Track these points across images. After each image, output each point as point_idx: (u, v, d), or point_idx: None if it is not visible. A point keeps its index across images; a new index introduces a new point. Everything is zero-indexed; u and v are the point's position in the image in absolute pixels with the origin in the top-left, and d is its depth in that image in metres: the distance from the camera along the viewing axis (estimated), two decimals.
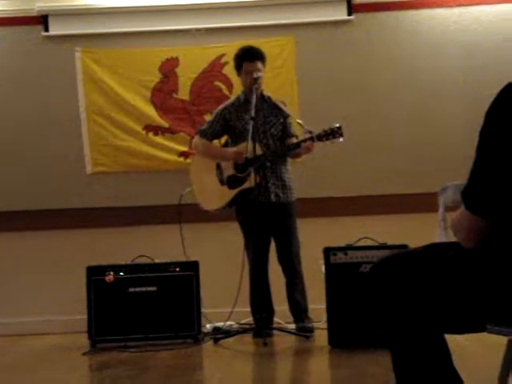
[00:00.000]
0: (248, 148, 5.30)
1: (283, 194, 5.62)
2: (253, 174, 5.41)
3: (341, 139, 5.25)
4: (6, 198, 6.57)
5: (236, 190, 5.56)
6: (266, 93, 5.75)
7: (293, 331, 5.54)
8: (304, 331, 5.49)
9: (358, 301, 4.84)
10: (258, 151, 5.38)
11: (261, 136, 5.60)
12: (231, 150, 5.61)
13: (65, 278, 6.39)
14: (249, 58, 5.60)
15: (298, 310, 5.67)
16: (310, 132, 5.34)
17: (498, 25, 6.52)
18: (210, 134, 5.74)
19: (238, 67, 5.65)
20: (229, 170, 5.61)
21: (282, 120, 5.67)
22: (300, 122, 5.50)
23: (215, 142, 5.87)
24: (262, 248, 5.60)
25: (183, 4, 6.61)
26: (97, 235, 6.49)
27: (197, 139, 5.80)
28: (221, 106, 5.82)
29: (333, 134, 5.23)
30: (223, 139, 5.93)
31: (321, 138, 5.26)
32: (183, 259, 5.69)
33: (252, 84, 5.51)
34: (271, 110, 5.68)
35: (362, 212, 6.41)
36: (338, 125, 5.24)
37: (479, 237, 1.99)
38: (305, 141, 5.37)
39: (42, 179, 6.58)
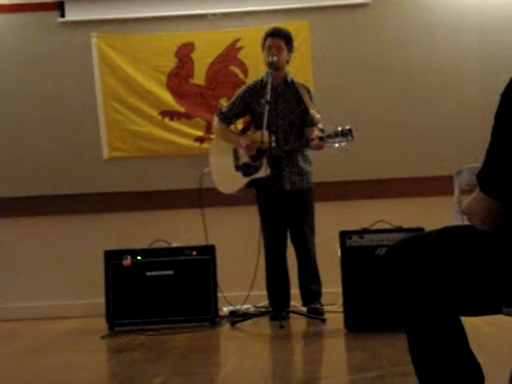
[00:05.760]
0: (263, 137, 5.29)
1: (299, 181, 5.62)
2: (265, 164, 5.43)
3: (351, 141, 5.20)
4: (23, 183, 6.61)
5: (248, 178, 5.59)
6: (291, 76, 5.72)
7: (309, 314, 5.56)
8: (313, 313, 5.53)
9: (373, 284, 4.85)
10: (273, 142, 5.39)
11: (279, 123, 5.60)
12: (244, 142, 5.61)
13: (83, 262, 6.44)
14: (271, 33, 5.60)
15: (309, 295, 5.70)
16: (322, 130, 5.34)
17: None
18: (228, 117, 5.75)
19: (263, 45, 5.64)
20: (244, 157, 5.63)
21: (302, 107, 5.59)
22: (318, 116, 5.46)
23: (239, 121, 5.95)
24: (277, 235, 5.61)
25: None
26: (114, 220, 6.53)
27: (216, 122, 5.82)
28: (243, 87, 5.82)
29: (344, 135, 5.17)
30: (239, 124, 5.98)
31: (331, 138, 5.22)
32: (200, 243, 5.73)
33: (268, 67, 5.52)
34: (293, 96, 5.64)
35: (377, 195, 6.42)
36: (348, 127, 5.14)
37: (494, 219, 1.98)
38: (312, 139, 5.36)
39: (58, 164, 6.61)
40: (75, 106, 6.60)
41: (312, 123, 5.50)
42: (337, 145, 5.19)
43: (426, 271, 2.08)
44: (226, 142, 5.75)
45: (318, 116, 5.45)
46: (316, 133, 5.38)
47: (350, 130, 5.13)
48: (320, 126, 5.40)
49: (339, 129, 5.15)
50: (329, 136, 5.21)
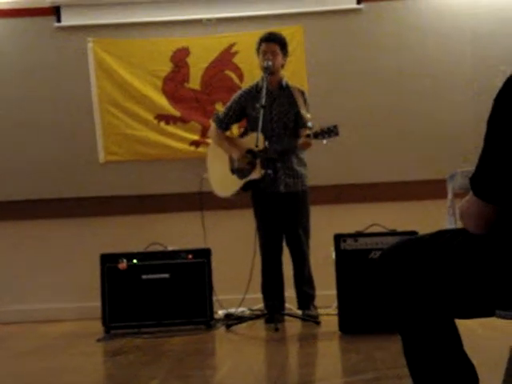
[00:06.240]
0: (257, 139, 5.31)
1: (294, 184, 5.66)
2: (259, 166, 5.47)
3: (336, 137, 5.29)
4: (20, 187, 6.63)
5: (243, 180, 5.62)
6: (286, 80, 5.76)
7: (304, 317, 5.59)
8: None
9: (368, 287, 4.88)
10: (267, 145, 5.43)
11: (274, 125, 5.63)
12: (236, 153, 5.64)
13: (79, 266, 6.47)
14: (266, 39, 5.63)
15: (304, 298, 5.73)
16: (310, 128, 5.38)
17: (508, 13, 6.51)
18: (225, 122, 5.78)
19: (258, 49, 5.67)
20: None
21: (296, 110, 5.62)
22: (308, 115, 5.50)
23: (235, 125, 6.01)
24: (272, 238, 5.64)
25: None
26: (110, 223, 6.55)
27: (212, 127, 5.86)
28: (239, 92, 5.85)
29: (329, 132, 5.24)
30: (235, 129, 6.02)
31: (317, 135, 5.27)
32: (196, 246, 5.75)
33: (263, 72, 5.55)
34: (288, 100, 5.67)
35: (371, 199, 6.45)
36: (333, 124, 5.23)
37: (487, 223, 2.00)
38: (303, 135, 5.43)
39: (55, 168, 6.63)
40: (71, 110, 6.62)
41: (304, 124, 5.55)
42: (325, 141, 5.26)
43: (420, 274, 2.09)
44: (221, 148, 5.78)
45: (308, 116, 5.50)
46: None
47: (335, 127, 5.22)
48: (309, 124, 5.43)
49: (325, 126, 5.23)
50: (315, 134, 5.27)
